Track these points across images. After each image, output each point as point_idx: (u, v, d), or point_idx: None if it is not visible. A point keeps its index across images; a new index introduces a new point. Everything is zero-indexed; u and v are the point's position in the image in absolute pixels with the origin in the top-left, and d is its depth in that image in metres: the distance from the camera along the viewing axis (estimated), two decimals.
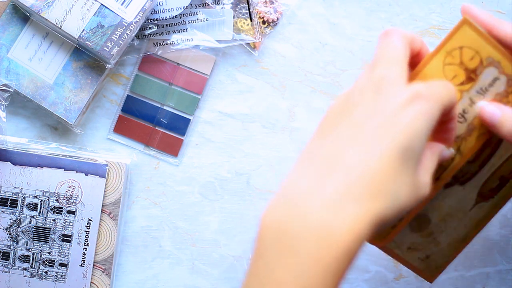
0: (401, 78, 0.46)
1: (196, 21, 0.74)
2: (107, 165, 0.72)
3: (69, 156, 0.73)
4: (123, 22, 0.69)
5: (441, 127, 0.49)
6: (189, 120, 0.75)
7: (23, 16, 0.72)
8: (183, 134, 0.75)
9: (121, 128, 0.75)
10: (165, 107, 0.75)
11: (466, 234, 0.58)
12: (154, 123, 0.75)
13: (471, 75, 0.51)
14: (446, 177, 0.53)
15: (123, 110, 0.75)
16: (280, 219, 0.43)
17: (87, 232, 0.72)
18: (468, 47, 0.51)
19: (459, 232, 0.58)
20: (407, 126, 0.43)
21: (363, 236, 0.42)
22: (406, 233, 0.57)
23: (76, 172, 0.72)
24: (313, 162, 0.45)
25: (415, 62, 0.51)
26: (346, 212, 0.42)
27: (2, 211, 0.72)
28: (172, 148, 0.74)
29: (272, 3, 0.74)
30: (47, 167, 0.72)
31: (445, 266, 0.59)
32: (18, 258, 0.72)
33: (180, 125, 0.75)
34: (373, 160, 0.43)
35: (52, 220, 0.72)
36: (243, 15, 0.74)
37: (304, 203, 0.43)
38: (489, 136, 0.52)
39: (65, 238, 0.72)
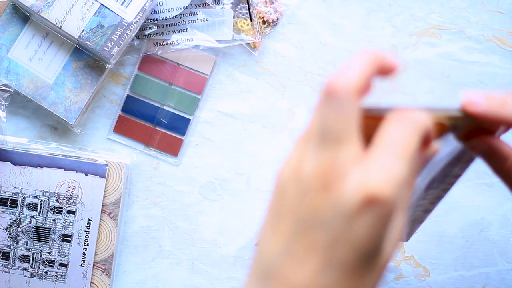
0: (355, 161, 0.37)
1: (196, 21, 0.74)
2: (107, 165, 0.72)
3: (69, 156, 0.73)
4: (123, 22, 0.69)
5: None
6: (189, 120, 0.75)
7: (23, 16, 0.72)
8: (183, 134, 0.75)
9: (121, 128, 0.75)
10: (165, 107, 0.75)
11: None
12: (154, 123, 0.75)
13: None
14: None
15: (123, 110, 0.75)
16: None
17: (87, 232, 0.72)
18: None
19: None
20: (362, 240, 0.36)
21: None
22: None
23: (76, 172, 0.72)
24: (255, 273, 0.39)
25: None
26: None
27: (2, 211, 0.72)
28: (172, 148, 0.74)
29: (272, 3, 0.74)
30: (47, 167, 0.72)
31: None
32: (18, 258, 0.72)
33: (180, 125, 0.75)
34: (327, 284, 0.37)
35: (52, 220, 0.72)
36: (243, 15, 0.74)
37: None
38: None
39: (65, 238, 0.72)
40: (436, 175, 0.51)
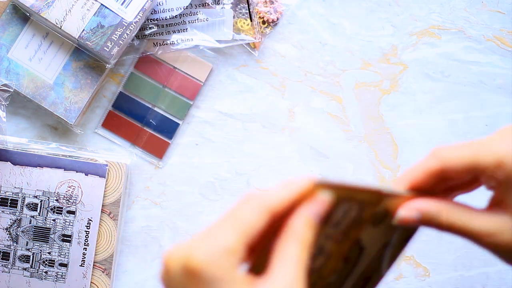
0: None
1: (196, 21, 0.74)
2: (107, 165, 0.72)
3: (69, 156, 0.73)
4: (123, 22, 0.69)
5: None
6: (178, 124, 0.74)
7: (23, 16, 0.72)
8: (170, 137, 0.74)
9: (109, 123, 0.74)
10: (156, 109, 0.75)
11: None
12: (143, 123, 0.75)
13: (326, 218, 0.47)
14: None
15: (114, 106, 0.75)
16: None
17: (87, 232, 0.72)
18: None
19: None
20: None
21: None
22: None
23: (76, 172, 0.72)
24: None
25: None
26: None
27: (2, 211, 0.72)
28: (158, 150, 0.74)
29: (272, 3, 0.74)
30: (47, 167, 0.72)
31: None
32: (18, 258, 0.72)
33: (168, 128, 0.74)
34: None
35: (52, 220, 0.72)
36: (243, 15, 0.74)
37: None
38: (346, 251, 0.51)
39: (65, 238, 0.72)
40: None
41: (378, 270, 0.53)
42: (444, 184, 0.53)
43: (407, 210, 0.49)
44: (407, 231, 0.53)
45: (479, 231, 0.49)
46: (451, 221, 0.48)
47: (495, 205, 0.50)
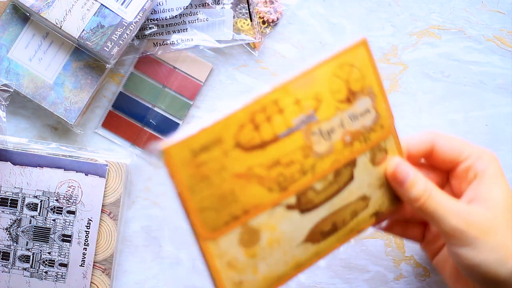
0: None
1: (196, 21, 0.74)
2: (107, 165, 0.72)
3: (69, 156, 0.73)
4: (123, 22, 0.69)
5: None
6: (178, 124, 0.74)
7: (23, 16, 0.72)
8: None
9: (109, 123, 0.74)
10: (156, 109, 0.75)
11: (283, 273, 0.52)
12: (143, 123, 0.75)
13: (350, 97, 0.50)
14: (292, 190, 0.49)
15: (113, 106, 0.75)
16: None
17: (87, 232, 0.72)
18: (358, 68, 0.49)
19: (278, 267, 0.51)
20: None
21: None
22: (233, 243, 0.50)
23: (76, 172, 0.72)
24: None
25: None
26: None
27: (2, 211, 0.72)
28: None
29: (272, 3, 0.74)
30: (47, 167, 0.72)
31: None
32: (18, 258, 0.72)
33: (168, 128, 0.74)
34: None
35: (52, 220, 0.72)
36: (243, 15, 0.74)
37: None
38: (343, 164, 0.51)
39: (65, 238, 0.72)
40: None
41: (344, 223, 0.53)
42: (427, 161, 0.59)
43: (405, 165, 0.54)
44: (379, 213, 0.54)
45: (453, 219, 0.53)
46: (429, 197, 0.53)
47: (469, 201, 0.56)
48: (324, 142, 0.50)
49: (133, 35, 0.70)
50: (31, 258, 0.72)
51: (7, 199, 0.72)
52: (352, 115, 0.50)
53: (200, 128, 0.47)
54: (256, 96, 0.48)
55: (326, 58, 0.49)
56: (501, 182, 0.55)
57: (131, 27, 0.69)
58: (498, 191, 0.54)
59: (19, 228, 0.72)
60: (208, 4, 0.74)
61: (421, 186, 0.53)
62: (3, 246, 0.72)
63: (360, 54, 0.49)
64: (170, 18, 0.73)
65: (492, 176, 0.55)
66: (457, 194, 0.58)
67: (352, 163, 0.52)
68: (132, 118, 0.75)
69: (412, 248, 0.74)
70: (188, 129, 0.46)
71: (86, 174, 0.72)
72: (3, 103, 0.71)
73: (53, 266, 0.72)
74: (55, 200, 0.72)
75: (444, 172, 0.60)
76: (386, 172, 0.53)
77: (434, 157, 0.58)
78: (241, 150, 0.48)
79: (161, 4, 0.72)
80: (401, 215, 0.61)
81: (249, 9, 0.74)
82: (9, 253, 0.72)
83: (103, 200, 0.72)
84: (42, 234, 0.72)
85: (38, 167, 0.72)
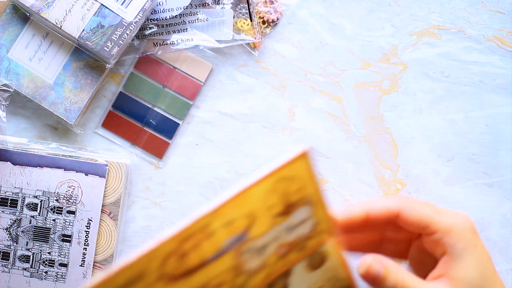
0: None
1: (196, 21, 0.74)
2: (107, 165, 0.72)
3: (69, 156, 0.73)
4: (123, 22, 0.69)
5: None
6: (178, 124, 0.74)
7: (23, 16, 0.72)
8: (170, 137, 0.74)
9: (109, 123, 0.74)
10: (156, 109, 0.75)
11: None
12: (143, 123, 0.75)
13: (288, 209, 0.47)
14: None
15: (113, 106, 0.75)
16: None
17: (87, 232, 0.72)
18: (298, 180, 0.47)
19: None
20: None
21: None
22: None
23: (76, 172, 0.72)
24: None
25: None
26: None
27: (2, 211, 0.72)
28: (158, 150, 0.74)
29: (272, 3, 0.74)
30: (47, 167, 0.72)
31: None
32: (18, 258, 0.72)
33: (168, 128, 0.74)
34: None
35: (52, 220, 0.72)
36: (243, 15, 0.74)
37: None
38: (276, 277, 0.49)
39: (65, 238, 0.72)
40: None
41: None
42: (390, 228, 0.57)
43: (376, 262, 0.52)
44: None
45: None
46: (400, 282, 0.52)
47: (436, 277, 0.54)
48: (257, 258, 0.48)
49: (133, 35, 0.70)
50: (31, 258, 0.72)
51: (7, 199, 0.72)
52: (288, 227, 0.48)
53: (121, 265, 0.43)
54: (185, 223, 0.44)
55: (264, 175, 0.46)
56: (471, 257, 0.53)
57: (131, 27, 0.69)
58: (466, 270, 0.52)
59: (19, 228, 0.72)
60: (208, 4, 0.74)
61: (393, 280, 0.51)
62: (3, 246, 0.72)
63: (300, 165, 0.47)
64: (170, 18, 0.73)
65: (460, 254, 0.53)
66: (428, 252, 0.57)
67: (286, 274, 0.50)
68: (132, 118, 0.75)
69: None
70: (111, 267, 0.43)
71: (86, 174, 0.72)
72: (3, 103, 0.71)
73: (53, 266, 0.72)
74: (55, 200, 0.72)
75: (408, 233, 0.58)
76: (358, 271, 0.53)
77: (399, 224, 0.56)
78: (165, 281, 0.45)
79: (161, 4, 0.72)
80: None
81: (249, 9, 0.74)
82: (9, 253, 0.72)
83: (103, 200, 0.72)
84: (42, 234, 0.72)
85: (38, 167, 0.72)
